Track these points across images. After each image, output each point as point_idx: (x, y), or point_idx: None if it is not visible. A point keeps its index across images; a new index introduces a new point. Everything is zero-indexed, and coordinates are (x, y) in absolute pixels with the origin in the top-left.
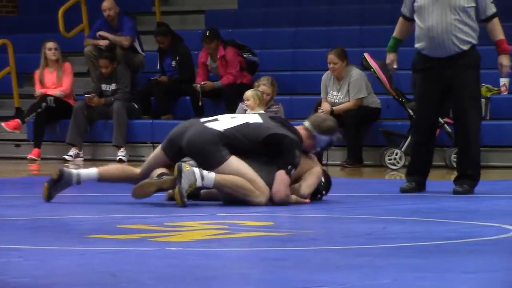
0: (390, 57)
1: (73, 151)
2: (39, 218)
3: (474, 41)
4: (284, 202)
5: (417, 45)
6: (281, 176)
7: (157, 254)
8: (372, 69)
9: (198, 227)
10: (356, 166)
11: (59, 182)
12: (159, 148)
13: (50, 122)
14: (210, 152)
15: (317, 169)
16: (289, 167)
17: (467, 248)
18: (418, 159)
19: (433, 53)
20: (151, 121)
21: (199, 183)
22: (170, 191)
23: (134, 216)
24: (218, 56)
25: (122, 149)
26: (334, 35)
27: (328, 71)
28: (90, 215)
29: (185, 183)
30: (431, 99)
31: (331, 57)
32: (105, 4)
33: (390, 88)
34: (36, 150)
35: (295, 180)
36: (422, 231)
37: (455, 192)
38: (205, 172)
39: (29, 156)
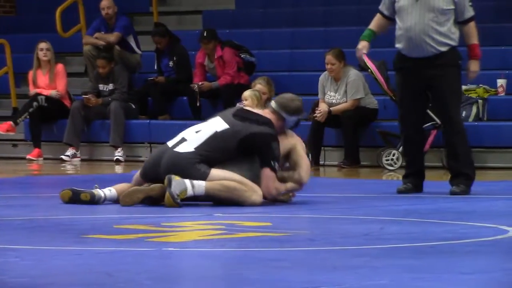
0: (362, 44)
1: (70, 151)
2: (36, 218)
3: (453, 43)
4: (277, 197)
5: (397, 45)
6: (267, 174)
7: (154, 255)
8: (369, 70)
9: (195, 227)
10: (353, 166)
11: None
12: (138, 174)
13: (47, 122)
14: (189, 173)
15: (300, 146)
16: (272, 162)
17: (464, 249)
18: (411, 159)
19: (411, 54)
20: (148, 121)
21: (189, 191)
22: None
23: (131, 216)
24: (215, 57)
25: (119, 149)
26: (332, 36)
27: (326, 72)
28: (87, 215)
29: (175, 189)
30: (413, 97)
31: (329, 57)
32: (103, 3)
33: (387, 89)
34: (36, 150)
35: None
36: (419, 232)
37: (452, 193)
38: (195, 181)
39: (28, 156)
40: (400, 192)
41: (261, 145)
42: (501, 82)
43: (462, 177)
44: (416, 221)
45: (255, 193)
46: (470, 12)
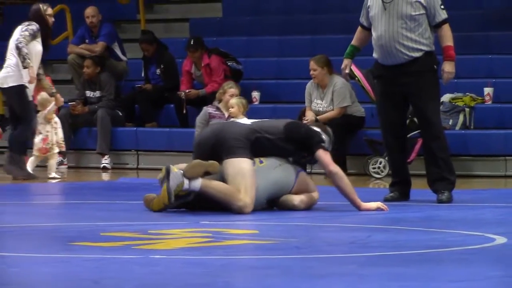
0: (344, 62)
1: (58, 159)
2: (23, 225)
3: (426, 48)
4: (339, 173)
5: (373, 54)
6: (323, 155)
7: (141, 262)
8: (356, 78)
9: (182, 235)
10: None
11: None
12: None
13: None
14: (238, 141)
15: (316, 196)
16: (322, 144)
17: (451, 257)
18: (395, 166)
19: (386, 62)
20: (135, 128)
21: (186, 185)
22: (148, 196)
23: (118, 223)
24: (202, 65)
25: (106, 157)
26: (319, 44)
27: (312, 80)
28: (74, 222)
29: (173, 183)
30: (392, 105)
31: (311, 63)
32: (88, 11)
33: (375, 97)
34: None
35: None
36: (406, 240)
37: (439, 201)
38: None
39: None
40: (387, 200)
41: (306, 131)
42: (488, 90)
43: (444, 182)
44: (403, 229)
45: (246, 205)
46: (442, 15)
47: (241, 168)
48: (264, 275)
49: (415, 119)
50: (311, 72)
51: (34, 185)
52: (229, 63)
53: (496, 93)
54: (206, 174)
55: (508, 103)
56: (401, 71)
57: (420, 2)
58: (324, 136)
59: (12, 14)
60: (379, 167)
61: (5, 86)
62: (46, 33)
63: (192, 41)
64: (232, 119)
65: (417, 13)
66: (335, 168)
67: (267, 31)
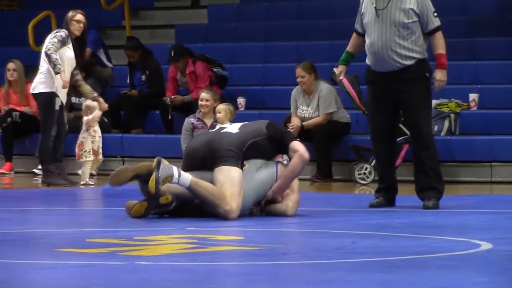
0: (339, 69)
1: None
2: (9, 231)
3: (419, 56)
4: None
5: (366, 61)
6: (297, 143)
7: (127, 268)
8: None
9: (167, 241)
10: (325, 180)
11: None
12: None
13: (19, 136)
14: (229, 151)
15: (297, 197)
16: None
17: (436, 263)
18: (383, 172)
19: (378, 68)
20: (121, 135)
21: (175, 178)
22: (130, 202)
23: (104, 230)
24: (187, 71)
25: None
26: (304, 50)
27: (298, 86)
28: (60, 228)
29: (162, 173)
30: (383, 111)
31: (299, 70)
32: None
33: (360, 103)
34: (7, 164)
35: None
36: (391, 246)
37: (425, 207)
38: (180, 170)
39: (0, 170)
40: (372, 206)
41: (282, 129)
42: (473, 96)
43: (432, 191)
44: (389, 235)
45: (231, 210)
46: (435, 23)
47: (231, 175)
48: (250, 281)
49: (401, 125)
50: (299, 79)
51: (19, 191)
52: (214, 69)
53: (481, 99)
54: (136, 177)
55: (493, 109)
56: (393, 78)
57: (413, 10)
58: None
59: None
60: (364, 173)
61: (35, 92)
62: (73, 40)
63: (172, 53)
64: (218, 125)
65: (410, 20)
66: (305, 153)
67: (252, 37)
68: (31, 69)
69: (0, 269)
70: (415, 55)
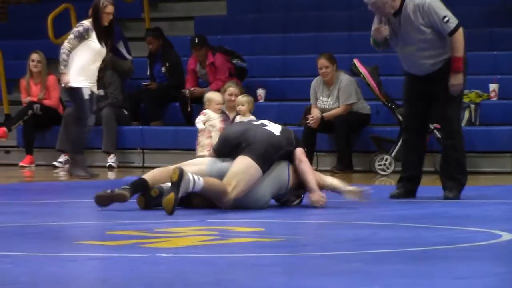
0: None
1: (63, 158)
2: (29, 224)
3: (447, 56)
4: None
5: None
6: (301, 151)
7: (147, 260)
8: (361, 75)
9: (188, 233)
10: (346, 172)
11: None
12: (212, 152)
13: (40, 129)
14: (262, 151)
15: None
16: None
17: (457, 254)
18: (407, 161)
19: (411, 71)
20: (140, 127)
21: (190, 189)
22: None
23: (124, 222)
24: (207, 63)
25: (112, 155)
26: (323, 41)
27: (318, 77)
28: (80, 221)
29: (182, 190)
30: (417, 96)
31: (322, 61)
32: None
33: (380, 94)
34: (28, 157)
35: None
36: (412, 237)
37: (445, 198)
38: (196, 178)
39: (21, 163)
40: (393, 197)
41: (295, 136)
42: (493, 86)
43: (454, 182)
44: (409, 226)
45: (230, 197)
46: (447, 29)
47: (248, 169)
48: (270, 272)
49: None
50: (323, 70)
51: (40, 184)
52: (233, 61)
53: (501, 89)
54: (112, 202)
55: None
56: (427, 76)
57: (423, 25)
58: None
59: (16, 13)
60: (384, 164)
61: (71, 85)
62: (100, 31)
63: (196, 39)
64: (238, 117)
65: (425, 36)
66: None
67: (271, 29)
68: (50, 62)
69: (20, 261)
70: (442, 57)
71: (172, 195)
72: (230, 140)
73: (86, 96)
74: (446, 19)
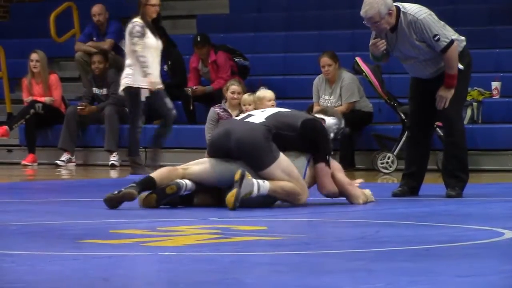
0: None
1: (65, 156)
2: (31, 223)
3: None
4: (331, 195)
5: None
6: (323, 170)
7: (150, 259)
8: (364, 73)
9: (191, 231)
10: (348, 170)
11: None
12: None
13: (42, 128)
14: (263, 151)
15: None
16: (327, 157)
17: (460, 252)
18: (411, 157)
19: (416, 76)
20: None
21: (254, 192)
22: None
23: (126, 221)
24: (209, 61)
25: (114, 154)
26: (326, 39)
27: (320, 75)
28: (82, 220)
29: (244, 190)
30: (423, 91)
31: (325, 59)
32: (95, 9)
33: (382, 92)
34: (30, 156)
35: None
36: (415, 235)
37: (448, 196)
38: (260, 181)
39: (23, 162)
40: (395, 195)
41: (319, 132)
42: (495, 84)
43: (455, 179)
44: (412, 224)
45: (304, 194)
46: (439, 46)
47: (282, 169)
48: (274, 271)
49: None
50: (325, 68)
51: (42, 182)
52: (236, 59)
53: (503, 87)
54: (122, 202)
55: None
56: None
57: (417, 40)
58: (334, 121)
59: (19, 11)
60: (387, 162)
61: (124, 86)
62: (151, 24)
63: (198, 38)
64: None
65: (419, 50)
66: (327, 187)
67: (274, 27)
68: (53, 60)
69: (23, 260)
70: (443, 64)
71: (235, 190)
72: (216, 145)
73: (143, 98)
74: (436, 37)
